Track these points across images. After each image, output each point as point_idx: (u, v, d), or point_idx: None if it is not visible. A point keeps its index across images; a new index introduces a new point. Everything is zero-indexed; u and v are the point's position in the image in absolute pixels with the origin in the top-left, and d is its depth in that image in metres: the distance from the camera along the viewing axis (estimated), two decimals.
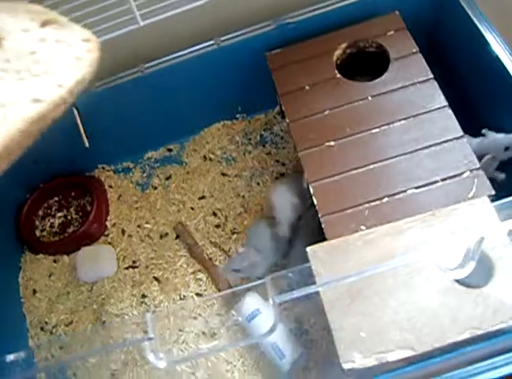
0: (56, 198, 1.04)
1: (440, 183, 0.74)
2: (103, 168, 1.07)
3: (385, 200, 0.74)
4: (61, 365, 0.90)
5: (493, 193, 0.72)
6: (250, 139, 1.03)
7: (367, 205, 0.74)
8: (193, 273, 0.92)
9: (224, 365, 0.83)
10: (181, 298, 0.90)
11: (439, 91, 0.80)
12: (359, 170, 0.77)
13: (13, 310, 0.94)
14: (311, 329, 0.85)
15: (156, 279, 0.92)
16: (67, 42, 0.34)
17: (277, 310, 0.46)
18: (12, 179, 1.03)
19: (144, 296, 0.91)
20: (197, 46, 0.89)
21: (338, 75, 0.85)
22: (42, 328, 0.93)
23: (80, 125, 0.92)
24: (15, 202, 1.02)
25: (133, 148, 1.07)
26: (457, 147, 0.76)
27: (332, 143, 0.79)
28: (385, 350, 0.64)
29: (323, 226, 0.74)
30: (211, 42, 0.89)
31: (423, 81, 0.81)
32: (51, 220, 1.02)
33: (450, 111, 0.78)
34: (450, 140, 0.76)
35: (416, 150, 0.76)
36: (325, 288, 0.69)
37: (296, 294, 0.45)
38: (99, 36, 0.74)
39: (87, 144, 0.93)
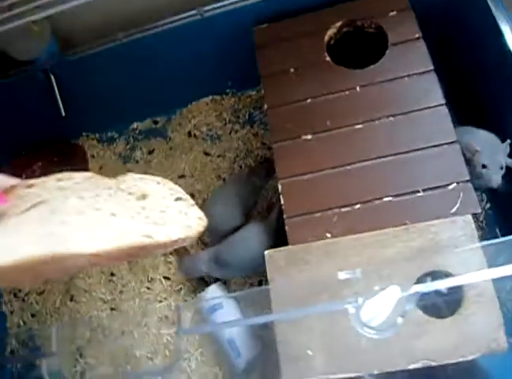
0: (40, 163, 1.02)
1: (421, 193, 0.66)
2: (88, 136, 1.04)
3: (358, 206, 0.67)
4: (31, 333, 0.92)
5: (479, 210, 0.64)
6: (238, 117, 0.96)
7: (336, 211, 0.68)
8: (163, 255, 0.89)
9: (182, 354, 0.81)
10: (148, 280, 0.88)
11: (438, 86, 0.70)
12: (335, 169, 0.70)
13: None
14: None
15: None
16: (187, 214, 0.48)
17: (182, 343, 0.42)
18: None
19: (112, 274, 0.89)
20: (179, 16, 0.82)
21: (327, 58, 0.76)
22: (15, 295, 0.94)
23: (57, 93, 0.89)
24: None
25: (120, 117, 1.02)
26: (447, 153, 0.67)
27: (309, 136, 0.72)
28: (330, 372, 0.60)
29: (286, 228, 0.68)
30: (193, 12, 0.81)
31: (422, 73, 0.71)
32: None
33: (447, 111, 0.69)
34: (441, 144, 0.68)
35: (401, 153, 0.68)
36: (277, 295, 0.65)
37: (204, 328, 0.41)
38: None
39: (63, 113, 0.90)
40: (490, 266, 0.60)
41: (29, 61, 0.86)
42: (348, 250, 0.65)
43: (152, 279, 0.88)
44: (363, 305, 0.39)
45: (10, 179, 0.38)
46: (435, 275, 0.60)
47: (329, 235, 0.67)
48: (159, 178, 0.47)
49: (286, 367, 0.61)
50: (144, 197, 0.45)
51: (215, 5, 0.80)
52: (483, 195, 0.83)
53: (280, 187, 0.70)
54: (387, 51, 0.74)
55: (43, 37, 0.83)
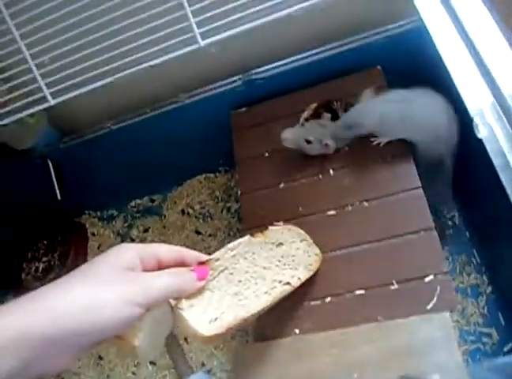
0: (45, 241, 1.06)
1: (395, 286, 0.61)
2: (90, 214, 1.07)
3: (328, 300, 0.63)
4: None
5: (456, 308, 0.59)
6: (230, 195, 0.96)
7: (305, 304, 0.64)
8: None
9: None
10: (135, 365, 0.86)
11: (414, 169, 0.67)
12: None
13: None
14: None
15: None
16: (308, 253, 0.60)
17: None
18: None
19: (100, 358, 0.88)
20: (168, 101, 0.84)
21: None
22: None
23: (54, 179, 0.93)
24: (3, 239, 1.06)
25: (120, 195, 1.05)
26: (423, 241, 0.63)
27: (280, 223, 0.70)
28: None
29: (255, 324, 0.65)
30: (176, 98, 0.83)
31: (397, 155, 0.68)
32: (37, 264, 1.04)
33: (423, 195, 0.65)
34: (417, 231, 0.63)
35: (374, 241, 0.65)
36: None
37: None
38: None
39: (59, 197, 0.93)
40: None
41: (28, 149, 0.92)
42: (316, 349, 0.60)
43: (138, 363, 0.86)
44: None
45: (199, 254, 0.46)
46: None
47: (297, 331, 0.63)
48: (289, 226, 0.59)
49: None
50: (280, 244, 0.56)
51: (201, 90, 0.83)
52: (484, 277, 0.77)
53: None
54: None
55: (38, 128, 0.88)
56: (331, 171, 0.71)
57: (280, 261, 0.54)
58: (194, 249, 0.97)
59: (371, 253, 0.64)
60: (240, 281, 0.49)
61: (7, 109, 0.65)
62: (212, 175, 1.00)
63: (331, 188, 0.70)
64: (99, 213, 1.07)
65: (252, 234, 0.52)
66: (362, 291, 0.62)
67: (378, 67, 0.75)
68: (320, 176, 0.71)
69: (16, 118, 0.69)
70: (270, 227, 0.56)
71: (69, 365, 0.35)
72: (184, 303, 0.42)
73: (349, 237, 0.66)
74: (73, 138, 0.92)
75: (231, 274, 0.48)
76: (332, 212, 0.68)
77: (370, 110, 0.66)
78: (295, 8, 0.60)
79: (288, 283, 0.53)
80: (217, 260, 0.47)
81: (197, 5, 0.57)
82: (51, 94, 0.61)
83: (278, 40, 0.79)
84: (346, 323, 0.61)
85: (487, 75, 0.54)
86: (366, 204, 0.67)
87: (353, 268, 0.64)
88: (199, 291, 0.44)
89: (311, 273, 0.57)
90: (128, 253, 0.38)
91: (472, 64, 0.56)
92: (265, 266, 0.52)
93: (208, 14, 0.58)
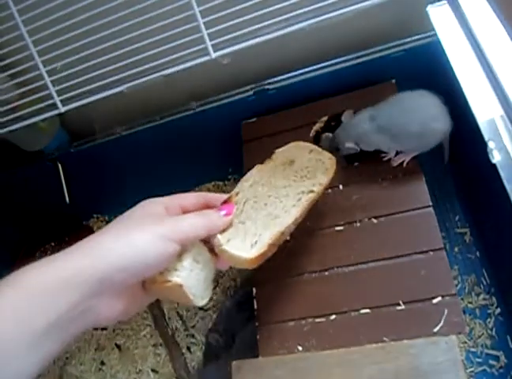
0: (52, 243, 1.07)
1: (402, 307, 0.60)
2: (98, 218, 1.07)
3: (333, 317, 0.62)
4: None
5: (465, 331, 0.57)
6: None
7: (310, 321, 0.63)
8: (153, 346, 0.87)
9: None
10: (136, 372, 0.86)
11: (425, 187, 0.66)
12: (311, 275, 0.66)
13: None
14: None
15: (117, 346, 0.89)
16: (322, 160, 0.58)
17: None
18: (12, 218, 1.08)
19: (103, 363, 0.88)
20: (179, 109, 0.84)
21: None
22: None
23: (63, 182, 0.93)
24: (13, 240, 1.06)
25: (129, 199, 1.04)
26: (433, 262, 0.61)
27: (287, 237, 0.69)
28: None
29: (258, 337, 0.64)
30: (187, 107, 0.83)
31: (408, 173, 0.67)
32: None
33: (433, 214, 0.64)
34: (427, 251, 0.62)
35: (382, 259, 0.63)
36: None
37: None
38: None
39: (68, 200, 0.93)
40: None
41: (39, 151, 0.92)
42: (318, 368, 0.59)
43: (140, 370, 0.86)
44: None
45: (222, 195, 0.49)
46: None
47: (300, 349, 0.62)
48: (293, 143, 0.60)
49: None
50: (291, 162, 0.57)
51: (208, 100, 0.82)
52: (494, 298, 0.75)
53: (254, 292, 0.67)
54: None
55: (49, 131, 0.89)
56: (340, 186, 0.70)
57: (296, 176, 0.56)
58: None
59: (378, 271, 0.63)
60: (266, 204, 0.51)
61: (17, 114, 0.65)
62: (221, 183, 0.99)
63: (340, 203, 0.69)
64: (106, 217, 1.07)
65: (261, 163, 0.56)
66: (367, 310, 0.61)
67: (393, 81, 0.74)
68: (329, 190, 0.70)
69: (25, 123, 0.69)
70: (276, 150, 0.58)
71: (121, 315, 0.38)
72: (222, 240, 0.45)
73: (356, 254, 0.65)
74: (83, 142, 0.92)
75: (255, 202, 0.51)
76: (340, 228, 0.67)
77: (346, 132, 0.67)
78: (309, 22, 0.59)
79: (312, 191, 0.54)
80: (237, 193, 0.50)
81: (210, 17, 0.57)
82: (62, 101, 0.61)
83: (292, 51, 0.79)
84: (350, 342, 0.60)
85: (501, 95, 0.52)
86: (374, 220, 0.66)
87: (359, 286, 0.63)
88: (231, 226, 0.47)
89: (331, 176, 0.57)
90: (153, 203, 0.43)
91: (486, 82, 0.55)
92: (284, 185, 0.54)
93: (221, 26, 0.57)
